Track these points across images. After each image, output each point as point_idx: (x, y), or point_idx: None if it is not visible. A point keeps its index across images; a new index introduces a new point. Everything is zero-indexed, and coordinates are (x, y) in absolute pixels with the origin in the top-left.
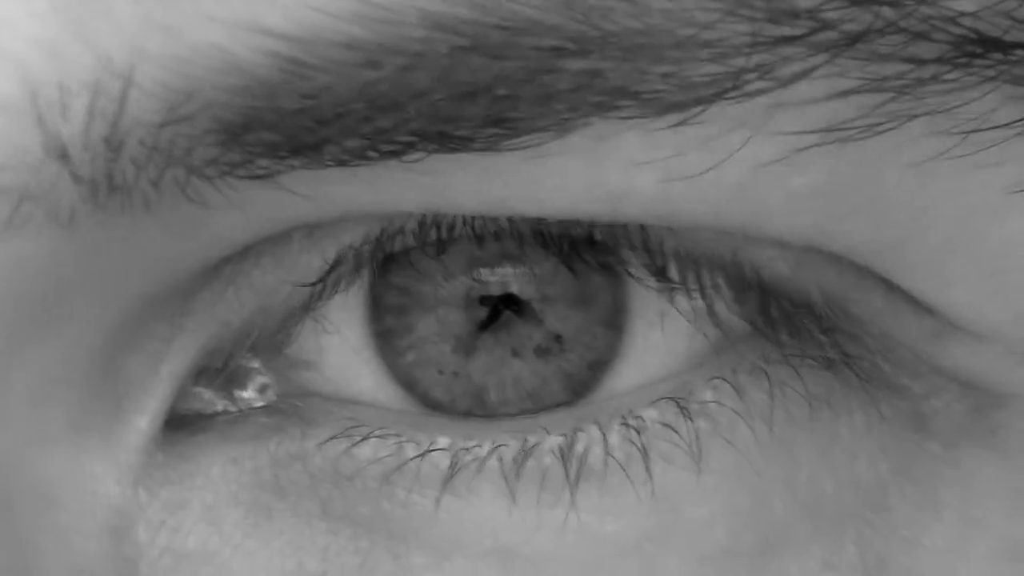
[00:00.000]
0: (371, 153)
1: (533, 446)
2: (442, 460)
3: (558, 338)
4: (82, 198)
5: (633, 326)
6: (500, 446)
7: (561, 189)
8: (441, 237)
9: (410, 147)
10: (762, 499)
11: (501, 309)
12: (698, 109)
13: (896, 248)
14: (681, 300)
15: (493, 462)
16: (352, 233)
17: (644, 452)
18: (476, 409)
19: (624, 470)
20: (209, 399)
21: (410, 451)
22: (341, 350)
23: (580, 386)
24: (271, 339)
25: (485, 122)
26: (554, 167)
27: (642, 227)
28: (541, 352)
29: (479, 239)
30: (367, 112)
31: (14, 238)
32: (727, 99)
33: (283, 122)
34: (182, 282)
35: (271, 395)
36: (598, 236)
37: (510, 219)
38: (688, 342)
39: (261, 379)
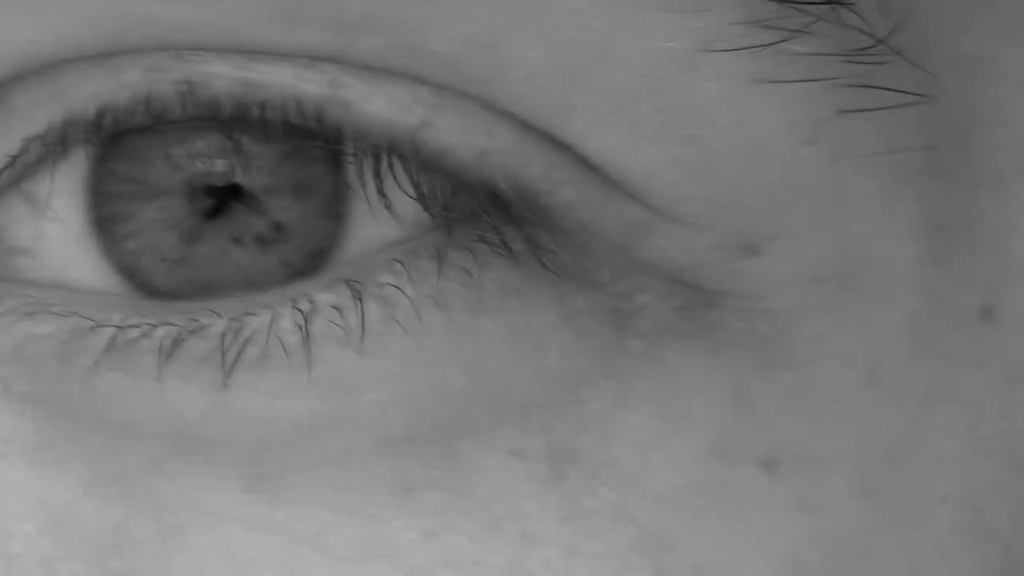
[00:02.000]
0: None
1: (199, 327)
2: (108, 335)
3: (279, 227)
4: None
5: (353, 216)
6: (166, 324)
7: None
8: (120, 125)
9: None
10: (440, 386)
11: (224, 199)
12: None
13: (579, 82)
14: (354, 180)
15: (154, 340)
16: (36, 122)
17: (307, 335)
18: (199, 298)
19: (287, 353)
20: None
21: (84, 326)
22: (60, 237)
23: (300, 275)
24: None
25: None
26: None
27: (318, 110)
28: (262, 241)
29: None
30: None
31: None
32: None
33: None
34: None
35: None
36: (270, 114)
37: (184, 106)
38: (410, 229)
39: None
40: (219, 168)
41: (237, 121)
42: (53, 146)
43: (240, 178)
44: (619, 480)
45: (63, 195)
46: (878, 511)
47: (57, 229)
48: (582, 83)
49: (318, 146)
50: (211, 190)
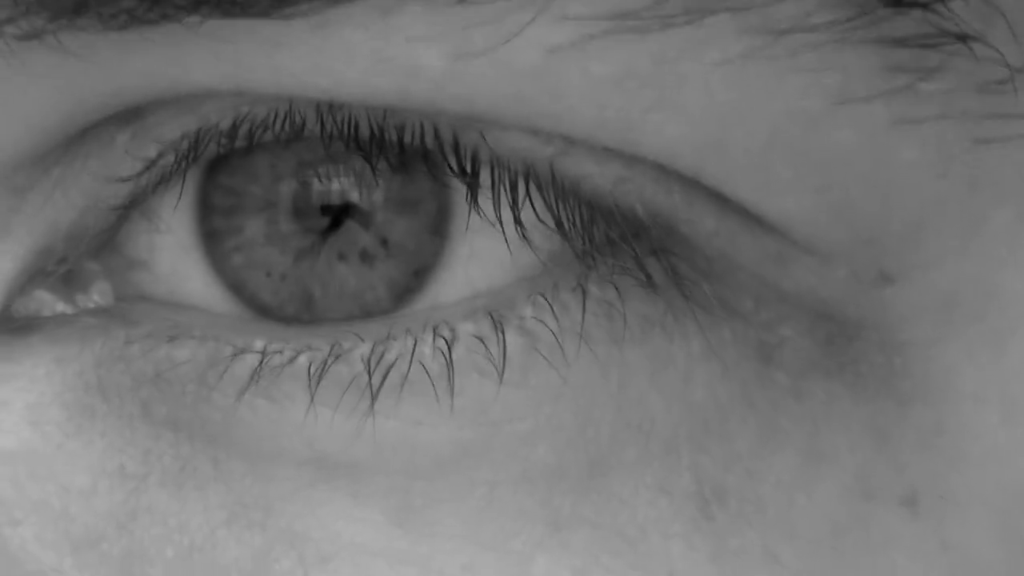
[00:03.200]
0: (150, 15)
1: (343, 352)
2: (253, 362)
3: (384, 243)
4: None
5: (459, 233)
6: (309, 350)
7: (348, 61)
8: (254, 138)
9: (184, 9)
10: (586, 418)
11: (329, 214)
12: None
13: (714, 150)
14: (488, 208)
15: (298, 367)
16: (171, 131)
17: (450, 364)
18: (303, 313)
19: (432, 382)
20: (47, 302)
21: (225, 353)
22: (172, 250)
23: (405, 292)
24: (105, 240)
25: None
26: (340, 38)
27: (455, 136)
28: (366, 257)
29: (289, 142)
30: None
31: None
32: None
33: None
34: (8, 170)
35: (110, 298)
36: (408, 138)
37: (322, 123)
38: (515, 253)
39: (100, 283)
40: (324, 183)
41: (374, 143)
42: (185, 155)
43: (354, 196)
44: (765, 520)
45: (173, 208)
46: (1016, 553)
47: (169, 241)
48: (716, 151)
49: (456, 178)
50: (314, 207)
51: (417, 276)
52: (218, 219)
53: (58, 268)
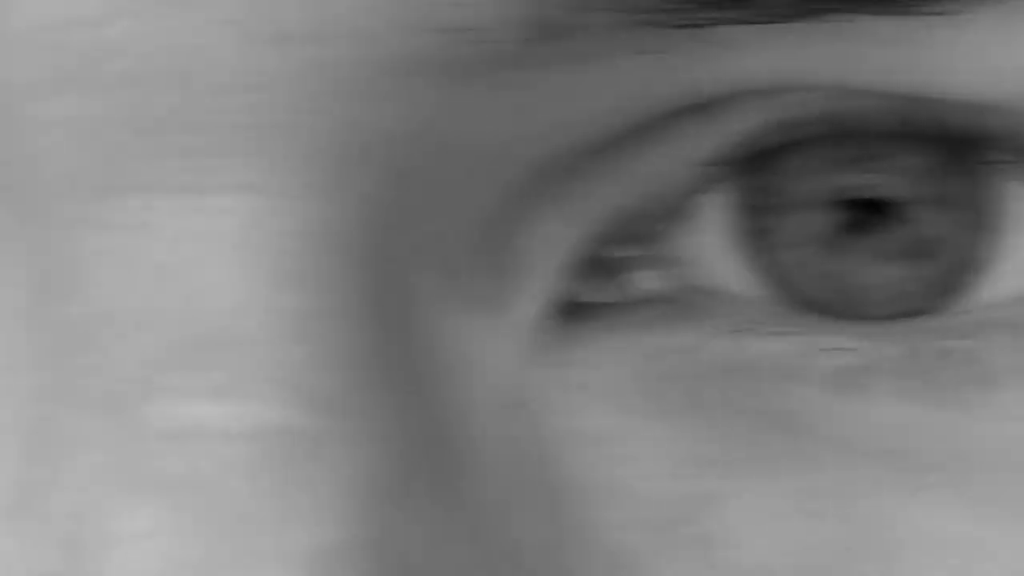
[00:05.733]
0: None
1: (927, 349)
2: (836, 360)
3: (925, 241)
4: (517, 40)
5: (1009, 227)
6: (885, 347)
7: (979, 62)
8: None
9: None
10: None
11: (868, 211)
12: None
13: None
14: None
15: (883, 364)
16: (744, 120)
17: None
18: (847, 311)
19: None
20: (601, 288)
21: (805, 348)
22: (712, 248)
23: (950, 291)
24: (656, 230)
25: None
26: (973, 37)
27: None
28: (908, 255)
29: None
30: None
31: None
32: None
33: None
34: (576, 154)
35: (660, 288)
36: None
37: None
38: None
39: (651, 272)
40: (862, 182)
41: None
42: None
43: (884, 191)
44: None
45: (714, 207)
46: None
47: (709, 240)
48: None
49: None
50: (850, 203)
51: (963, 274)
52: (759, 218)
53: (614, 254)
